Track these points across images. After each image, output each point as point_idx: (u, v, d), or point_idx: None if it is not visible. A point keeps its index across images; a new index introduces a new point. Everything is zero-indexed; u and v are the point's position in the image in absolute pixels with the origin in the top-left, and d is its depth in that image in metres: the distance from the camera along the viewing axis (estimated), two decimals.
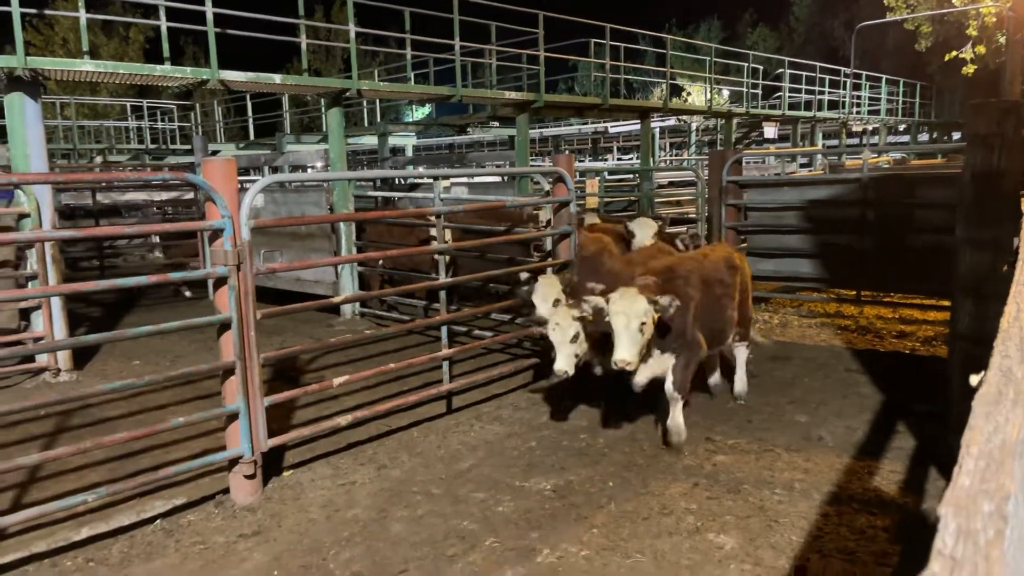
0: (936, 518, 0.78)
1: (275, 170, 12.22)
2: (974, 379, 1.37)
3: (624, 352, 4.39)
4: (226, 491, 4.39)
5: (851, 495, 4.21)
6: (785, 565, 3.50)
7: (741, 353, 5.91)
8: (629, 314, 4.40)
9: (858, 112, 26.26)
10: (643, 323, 4.42)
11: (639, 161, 18.05)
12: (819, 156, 19.54)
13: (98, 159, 20.86)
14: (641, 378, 4.80)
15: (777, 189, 8.53)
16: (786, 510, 4.03)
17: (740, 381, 5.91)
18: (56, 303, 6.94)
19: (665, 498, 4.24)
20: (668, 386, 4.89)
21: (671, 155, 31.33)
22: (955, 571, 0.68)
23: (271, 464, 4.71)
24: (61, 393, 6.35)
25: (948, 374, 5.14)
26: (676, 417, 4.93)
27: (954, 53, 22.63)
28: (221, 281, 4.17)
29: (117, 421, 5.73)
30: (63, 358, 7.08)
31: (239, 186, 4.41)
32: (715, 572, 3.46)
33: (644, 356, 4.66)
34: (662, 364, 4.88)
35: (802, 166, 19.89)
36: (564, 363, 4.78)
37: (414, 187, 10.68)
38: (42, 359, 6.95)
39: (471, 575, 3.53)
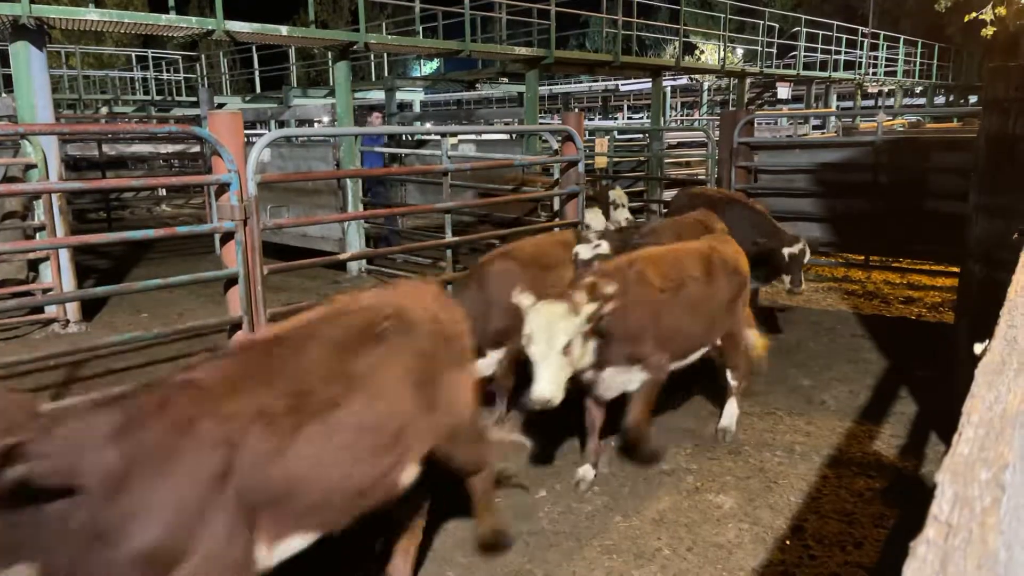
0: (934, 484, 0.79)
1: (281, 124, 12.13)
2: (978, 347, 1.37)
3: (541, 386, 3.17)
4: None
5: (851, 458, 4.25)
6: (783, 525, 3.55)
7: None
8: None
9: (874, 73, 25.77)
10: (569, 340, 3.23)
11: (649, 120, 17.82)
12: (832, 118, 19.26)
13: (103, 110, 20.73)
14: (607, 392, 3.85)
15: (789, 151, 8.43)
16: (786, 472, 4.08)
17: None
18: (64, 255, 6.97)
19: (666, 458, 4.29)
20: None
21: (682, 115, 30.92)
22: (950, 537, 0.69)
23: None
24: (71, 344, 6.42)
25: (953, 341, 5.14)
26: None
27: (974, 14, 22.09)
28: (228, 236, 4.17)
29: (126, 372, 5.79)
30: (72, 309, 7.14)
31: (245, 140, 4.39)
32: (713, 531, 3.52)
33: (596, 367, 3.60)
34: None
35: (815, 128, 19.61)
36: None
37: (421, 144, 10.59)
38: (51, 310, 7.01)
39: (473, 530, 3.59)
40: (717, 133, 9.44)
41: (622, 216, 7.83)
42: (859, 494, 3.83)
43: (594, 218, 6.80)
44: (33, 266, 7.27)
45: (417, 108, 22.70)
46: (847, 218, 7.75)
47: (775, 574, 3.19)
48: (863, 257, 8.14)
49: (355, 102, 13.49)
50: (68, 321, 7.08)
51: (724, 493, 3.87)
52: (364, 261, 9.39)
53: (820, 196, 7.90)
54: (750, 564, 3.26)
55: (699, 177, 13.24)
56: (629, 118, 30.58)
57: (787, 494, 3.85)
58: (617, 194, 7.92)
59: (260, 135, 6.70)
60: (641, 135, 16.77)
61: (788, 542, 3.42)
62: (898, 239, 7.44)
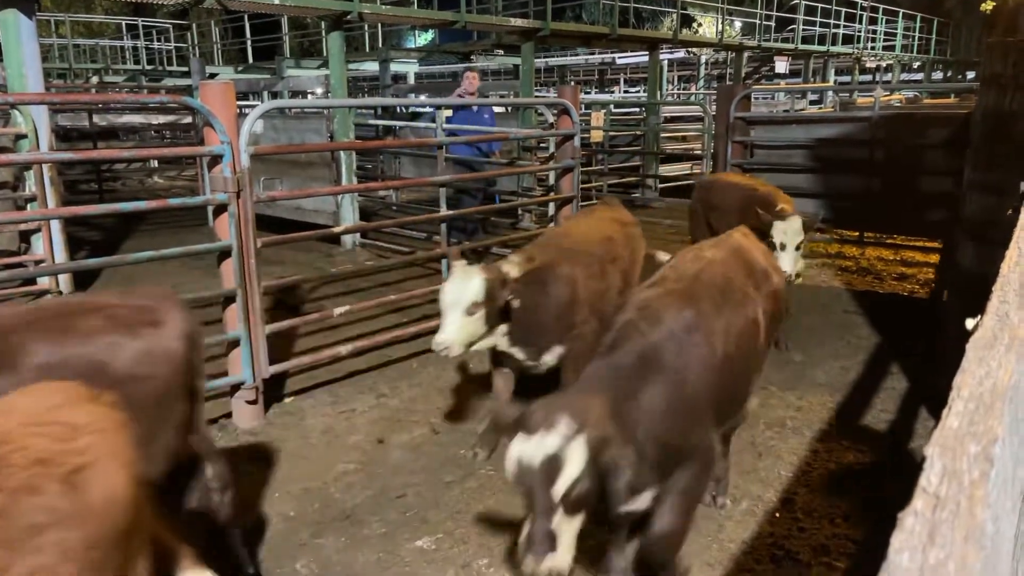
0: (923, 457, 0.79)
1: (274, 95, 12.01)
2: (970, 323, 1.38)
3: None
4: (228, 415, 4.48)
5: (841, 433, 4.29)
6: (773, 498, 3.60)
7: None
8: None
9: (872, 48, 25.59)
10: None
11: (646, 94, 17.69)
12: (830, 93, 19.14)
13: (94, 80, 20.46)
14: None
15: (785, 126, 8.38)
16: (777, 446, 4.12)
17: None
18: (56, 226, 6.91)
19: None
20: None
21: (679, 89, 30.69)
22: (937, 509, 0.69)
23: (272, 390, 4.78)
24: None
25: (945, 317, 5.17)
26: None
27: None
28: (221, 208, 4.15)
29: None
30: (64, 281, 7.10)
31: (238, 111, 4.35)
32: (704, 503, 3.55)
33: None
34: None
35: (812, 103, 19.49)
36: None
37: (416, 116, 10.50)
38: (43, 282, 6.97)
39: (468, 501, 3.63)
40: (714, 107, 9.39)
41: (789, 261, 4.85)
42: (849, 468, 3.88)
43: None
44: (25, 237, 7.22)
45: (412, 80, 22.48)
46: (842, 194, 7.74)
47: (765, 546, 3.23)
48: (857, 233, 8.15)
49: (349, 74, 13.34)
50: (61, 293, 7.05)
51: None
52: (358, 235, 9.36)
53: (816, 171, 7.88)
54: (740, 536, 3.30)
55: (696, 152, 13.20)
56: (625, 92, 30.33)
57: (778, 467, 3.89)
58: (789, 228, 4.96)
59: (253, 106, 6.64)
60: (638, 109, 16.68)
61: (778, 515, 3.47)
62: (893, 215, 7.44)
